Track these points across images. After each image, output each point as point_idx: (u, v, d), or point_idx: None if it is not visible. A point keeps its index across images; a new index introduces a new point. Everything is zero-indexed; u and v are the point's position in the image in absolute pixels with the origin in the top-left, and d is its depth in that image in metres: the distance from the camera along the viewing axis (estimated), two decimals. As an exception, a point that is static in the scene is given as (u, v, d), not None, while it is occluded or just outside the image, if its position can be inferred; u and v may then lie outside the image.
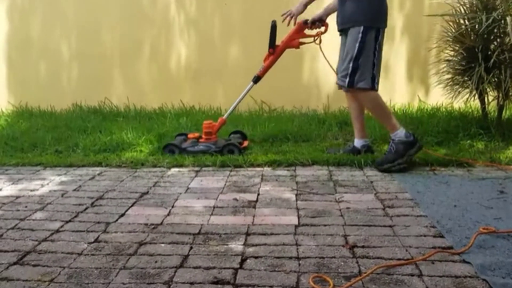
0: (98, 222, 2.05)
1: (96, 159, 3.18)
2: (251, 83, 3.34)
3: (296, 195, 2.40)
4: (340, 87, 2.99)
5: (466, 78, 3.62)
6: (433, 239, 1.80)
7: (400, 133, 2.83)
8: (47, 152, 3.43)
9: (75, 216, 2.13)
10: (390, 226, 1.94)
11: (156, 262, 1.65)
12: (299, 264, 1.61)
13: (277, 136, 3.66)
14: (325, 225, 1.97)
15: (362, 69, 2.78)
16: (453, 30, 3.69)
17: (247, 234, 1.89)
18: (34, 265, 1.64)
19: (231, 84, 4.72)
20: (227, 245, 1.78)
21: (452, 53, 3.81)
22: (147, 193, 2.48)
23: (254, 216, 2.10)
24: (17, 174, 2.91)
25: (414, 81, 4.68)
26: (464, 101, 3.84)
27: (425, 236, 1.84)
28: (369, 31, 2.78)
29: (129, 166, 3.05)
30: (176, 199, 2.36)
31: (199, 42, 4.83)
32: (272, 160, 3.05)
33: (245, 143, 3.41)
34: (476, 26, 3.48)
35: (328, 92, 4.68)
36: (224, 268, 1.59)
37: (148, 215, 2.14)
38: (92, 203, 2.32)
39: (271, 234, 1.89)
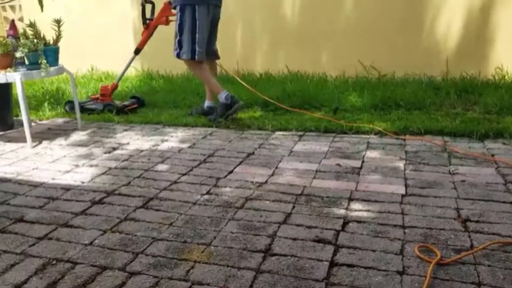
0: (210, 177, 2.22)
1: (208, 120, 3.39)
2: (133, 54, 3.81)
3: (405, 164, 2.30)
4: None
5: None
6: None
7: (222, 94, 3.27)
8: (166, 112, 3.75)
9: (190, 170, 2.33)
10: (511, 203, 1.77)
11: (261, 216, 1.74)
12: (404, 233, 1.57)
13: (386, 102, 3.50)
14: (435, 197, 1.87)
15: (184, 44, 3.22)
16: None
17: (350, 199, 1.89)
18: (156, 210, 1.85)
19: (336, 48, 4.59)
20: (329, 207, 1.80)
21: None
22: (253, 153, 2.59)
23: (357, 183, 2.07)
24: (141, 130, 3.26)
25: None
26: None
27: (554, 216, 1.64)
28: (185, 9, 3.17)
29: (236, 128, 3.21)
30: (280, 161, 2.43)
31: (305, 4, 4.73)
32: (379, 128, 2.94)
33: (132, 106, 3.85)
34: None
35: (448, 57, 4.28)
36: (326, 229, 1.62)
37: (254, 173, 2.25)
38: (204, 159, 2.51)
39: (375, 201, 1.86)
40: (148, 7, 3.73)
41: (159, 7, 3.67)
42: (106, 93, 3.87)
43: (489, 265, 1.34)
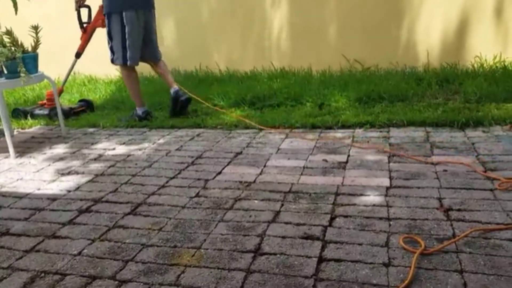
0: (198, 179, 2.23)
1: (195, 121, 3.40)
2: (74, 58, 3.92)
3: (389, 157, 2.35)
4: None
5: None
6: (542, 205, 1.66)
7: (139, 110, 3.51)
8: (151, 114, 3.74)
9: (178, 173, 2.35)
10: (491, 190, 1.82)
11: (250, 216, 1.77)
12: (389, 225, 1.61)
13: (370, 96, 3.54)
14: (418, 188, 1.91)
15: (115, 50, 3.34)
16: None
17: (337, 194, 1.92)
18: (145, 216, 1.86)
19: (321, 43, 4.63)
20: (316, 203, 1.84)
21: None
22: (240, 153, 2.61)
23: (343, 177, 2.11)
24: (127, 135, 3.25)
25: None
26: None
27: (532, 201, 1.70)
28: (111, 17, 3.27)
29: (224, 128, 3.22)
30: (268, 159, 2.45)
31: (290, 3, 4.75)
32: (363, 121, 2.99)
33: (80, 109, 3.98)
34: None
35: (428, 48, 4.34)
36: (314, 225, 1.65)
37: (242, 173, 2.27)
38: (192, 161, 2.52)
39: (361, 195, 1.89)
40: (84, 11, 3.78)
41: (95, 10, 3.72)
42: (52, 98, 3.89)
43: (470, 252, 1.39)
